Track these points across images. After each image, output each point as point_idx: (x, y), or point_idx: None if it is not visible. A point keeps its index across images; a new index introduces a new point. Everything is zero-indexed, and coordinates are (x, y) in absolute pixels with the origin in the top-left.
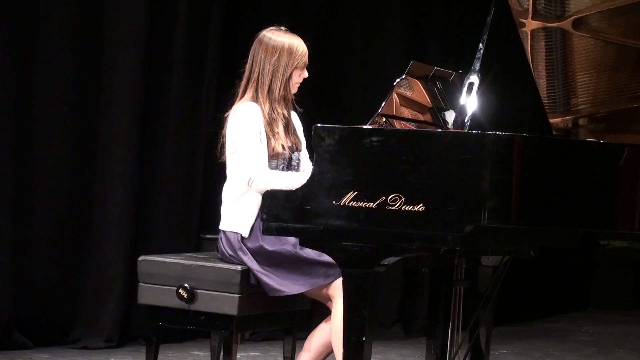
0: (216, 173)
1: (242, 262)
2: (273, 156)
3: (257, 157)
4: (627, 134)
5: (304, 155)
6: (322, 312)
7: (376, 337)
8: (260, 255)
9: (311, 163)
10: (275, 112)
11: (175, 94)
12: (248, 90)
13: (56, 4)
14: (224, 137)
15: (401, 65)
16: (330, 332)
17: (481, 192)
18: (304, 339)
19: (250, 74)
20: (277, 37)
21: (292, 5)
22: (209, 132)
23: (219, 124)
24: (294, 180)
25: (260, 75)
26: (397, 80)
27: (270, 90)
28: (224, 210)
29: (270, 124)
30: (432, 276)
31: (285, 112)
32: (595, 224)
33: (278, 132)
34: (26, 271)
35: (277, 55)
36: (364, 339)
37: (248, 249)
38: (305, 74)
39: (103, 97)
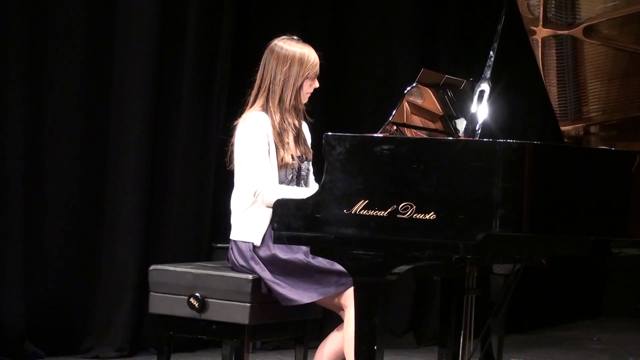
0: (227, 182)
1: (253, 272)
2: (282, 166)
3: (263, 169)
4: (639, 141)
5: (312, 168)
6: (333, 321)
7: (388, 346)
8: (273, 264)
9: (315, 181)
10: (286, 122)
11: (186, 103)
12: (258, 100)
13: (67, 15)
14: (232, 145)
15: (412, 73)
16: (342, 340)
17: (492, 200)
18: (315, 348)
19: (261, 82)
20: (288, 46)
21: (303, 14)
22: (219, 139)
23: (229, 131)
24: (301, 195)
25: (271, 85)
26: (408, 88)
27: (281, 100)
28: (234, 220)
29: (280, 134)
30: (443, 284)
31: (296, 122)
32: (607, 232)
33: (288, 143)
34: (37, 281)
35: (288, 65)
36: (375, 347)
37: (260, 258)
38: (316, 84)
39: (113, 107)
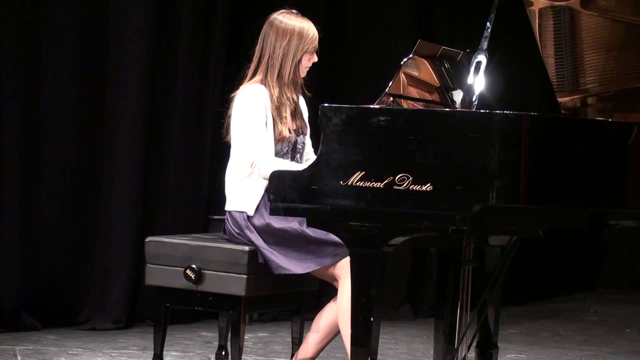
0: (223, 154)
1: (249, 241)
2: (279, 140)
3: (260, 141)
4: (636, 112)
5: (308, 141)
6: (330, 292)
7: (384, 318)
8: (267, 233)
9: (314, 153)
10: (285, 96)
11: (182, 76)
12: (258, 73)
13: None
14: (229, 117)
15: (408, 44)
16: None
17: (489, 171)
18: (312, 319)
19: (260, 56)
20: (288, 20)
21: None
22: (216, 111)
23: (226, 103)
24: (297, 169)
25: (270, 59)
26: (405, 59)
27: (280, 74)
28: (228, 191)
29: (278, 107)
30: (440, 256)
31: (295, 97)
32: (603, 203)
33: (286, 117)
34: (34, 253)
35: (287, 39)
36: (371, 319)
37: (254, 226)
38: (315, 59)
39: (109, 79)
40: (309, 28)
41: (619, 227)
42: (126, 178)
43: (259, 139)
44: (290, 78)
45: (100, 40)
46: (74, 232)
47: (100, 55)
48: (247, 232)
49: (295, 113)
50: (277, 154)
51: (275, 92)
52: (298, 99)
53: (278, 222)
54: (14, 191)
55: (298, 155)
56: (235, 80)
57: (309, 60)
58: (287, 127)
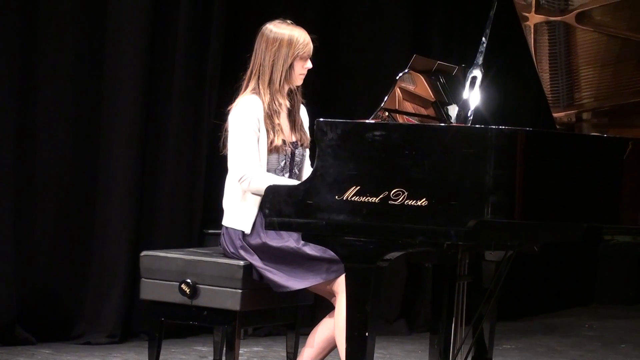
0: (219, 167)
1: (243, 260)
2: (272, 150)
3: (249, 156)
4: (631, 128)
5: (308, 153)
6: (325, 307)
7: (379, 333)
8: (263, 251)
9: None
10: (277, 103)
11: (177, 88)
12: (250, 83)
13: None
14: (226, 130)
15: (404, 59)
16: (334, 327)
17: (484, 186)
18: (306, 334)
19: (252, 66)
20: (278, 29)
21: None
22: (213, 123)
23: (223, 116)
24: (289, 183)
25: (261, 67)
26: (400, 74)
27: (271, 81)
28: (225, 205)
29: (270, 116)
30: (435, 271)
31: (288, 104)
32: (599, 219)
33: (279, 124)
34: (29, 267)
35: (277, 46)
36: (367, 334)
37: (250, 245)
38: (309, 65)
39: (105, 92)
40: (299, 35)
41: (614, 242)
42: (121, 192)
43: (248, 153)
44: (281, 85)
45: (95, 52)
46: (68, 246)
47: (96, 67)
48: (242, 252)
49: (295, 125)
50: (274, 168)
51: (267, 99)
52: (295, 108)
53: (275, 241)
54: (8, 206)
55: (296, 168)
56: (231, 92)
57: (302, 67)
58: (279, 137)
